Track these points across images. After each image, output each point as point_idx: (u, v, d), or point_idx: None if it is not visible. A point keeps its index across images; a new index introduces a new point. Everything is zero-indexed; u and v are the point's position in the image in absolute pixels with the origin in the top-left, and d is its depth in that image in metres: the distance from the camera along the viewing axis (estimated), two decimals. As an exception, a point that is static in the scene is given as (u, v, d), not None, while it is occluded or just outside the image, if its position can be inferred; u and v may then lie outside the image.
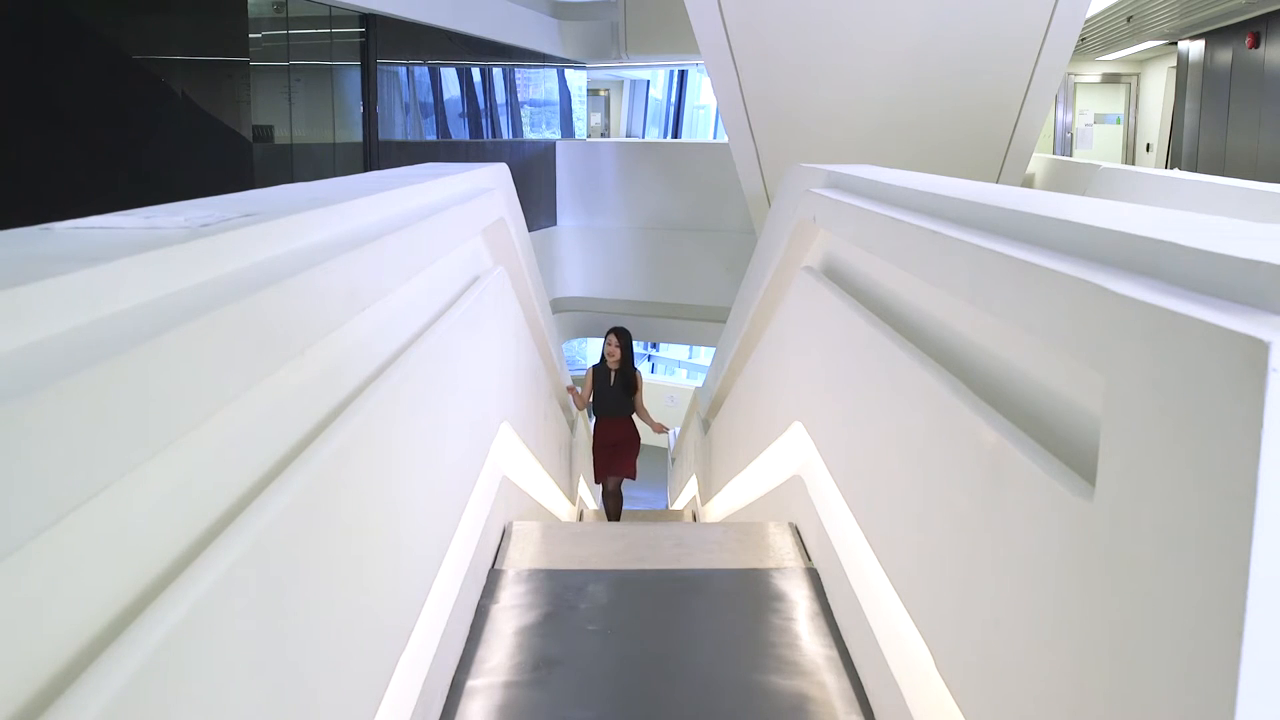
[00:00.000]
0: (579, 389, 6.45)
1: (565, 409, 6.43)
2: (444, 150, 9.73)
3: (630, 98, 18.80)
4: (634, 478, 6.60)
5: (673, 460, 10.07)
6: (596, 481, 6.84)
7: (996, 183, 6.28)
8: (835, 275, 2.78)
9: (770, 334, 3.92)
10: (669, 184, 12.80)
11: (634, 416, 6.49)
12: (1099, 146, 14.34)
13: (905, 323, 2.04)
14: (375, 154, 8.05)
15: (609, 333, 6.44)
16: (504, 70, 11.32)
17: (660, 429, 6.65)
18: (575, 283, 12.89)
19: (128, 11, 5.33)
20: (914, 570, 1.80)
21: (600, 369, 6.41)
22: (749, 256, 4.64)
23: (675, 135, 18.08)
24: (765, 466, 3.88)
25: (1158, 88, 13.36)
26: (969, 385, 1.55)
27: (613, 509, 6.74)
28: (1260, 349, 0.77)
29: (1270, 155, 8.81)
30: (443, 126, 9.96)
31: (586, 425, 7.40)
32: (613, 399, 6.37)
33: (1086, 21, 9.39)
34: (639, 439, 6.57)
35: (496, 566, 2.98)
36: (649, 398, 6.74)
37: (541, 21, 11.98)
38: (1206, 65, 10.51)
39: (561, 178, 13.03)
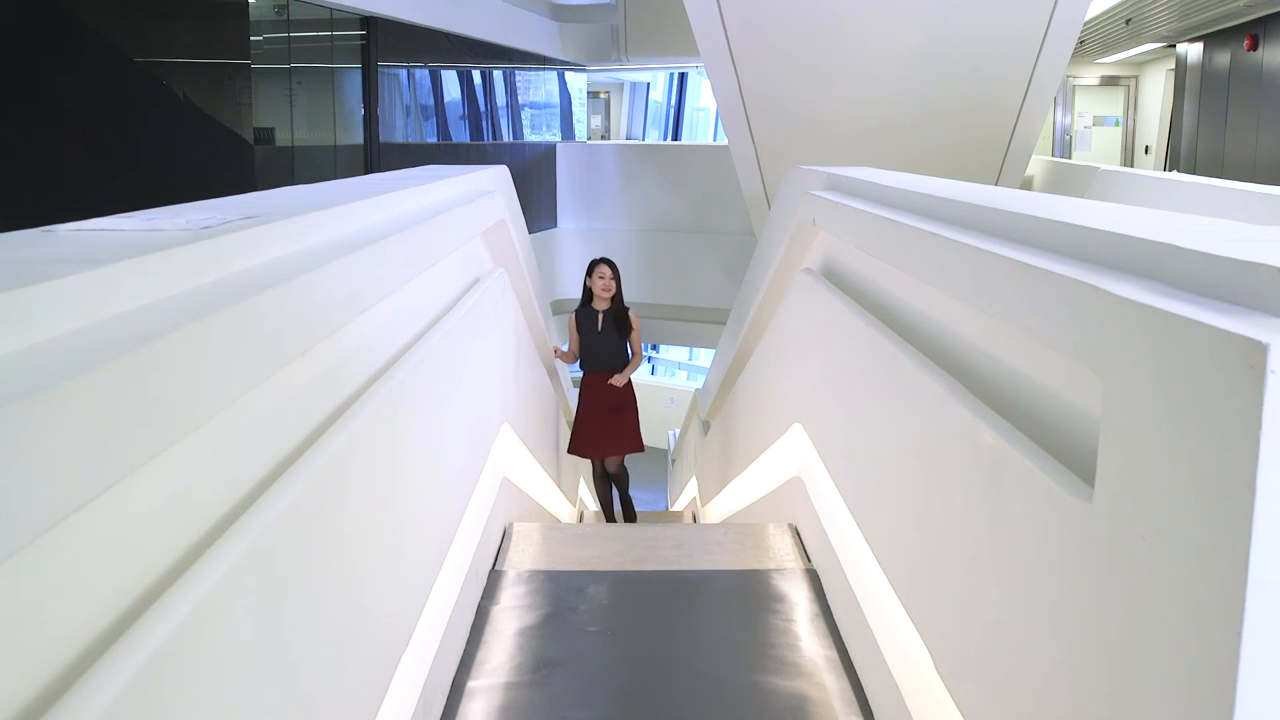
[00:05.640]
0: (564, 348, 5.31)
1: (553, 374, 5.38)
2: (445, 152, 9.73)
3: (630, 100, 18.81)
4: (641, 448, 5.29)
5: (673, 461, 10.07)
6: (576, 453, 5.39)
7: (995, 185, 6.29)
8: (835, 277, 2.79)
9: (770, 336, 3.93)
10: (669, 186, 12.81)
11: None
12: (1098, 148, 14.35)
13: (905, 325, 2.04)
14: (376, 156, 8.05)
15: (596, 263, 5.11)
16: (504, 73, 11.32)
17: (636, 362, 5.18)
18: (576, 284, 12.84)
19: (129, 14, 5.33)
20: (914, 571, 1.80)
21: (585, 312, 5.13)
22: (749, 258, 4.65)
23: (675, 137, 18.08)
24: (765, 468, 3.88)
25: (1156, 90, 13.37)
26: (968, 387, 1.55)
27: (622, 497, 5.41)
28: (1259, 350, 0.78)
29: (1269, 157, 8.82)
30: (443, 129, 9.97)
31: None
32: (605, 347, 5.09)
33: (1085, 24, 9.40)
34: (635, 397, 5.27)
35: (497, 568, 2.98)
36: (647, 399, 5.75)
37: (542, 24, 11.99)
38: (1205, 67, 10.52)
39: (562, 180, 13.04)
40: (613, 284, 5.09)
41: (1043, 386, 1.33)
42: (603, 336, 5.12)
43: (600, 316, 5.12)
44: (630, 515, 5.59)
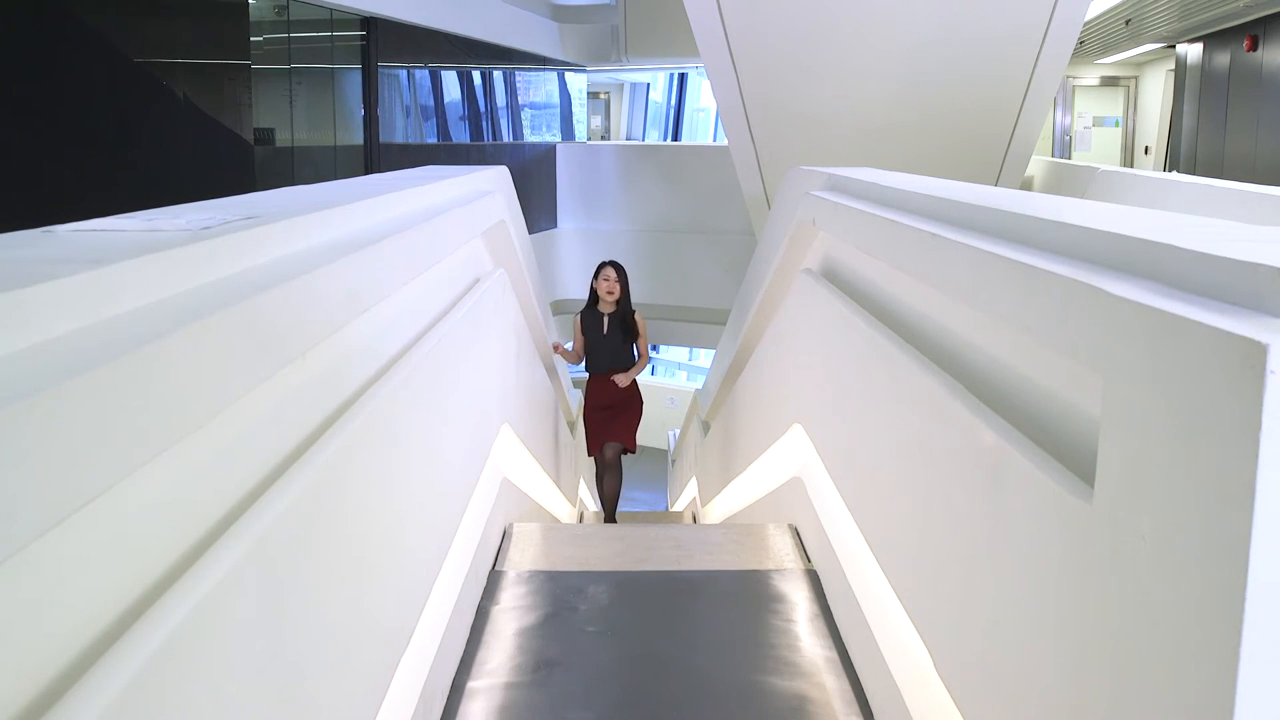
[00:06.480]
0: (566, 345, 5.35)
1: (553, 373, 5.44)
2: (445, 153, 9.73)
3: (630, 100, 18.80)
4: (634, 450, 5.46)
5: (673, 462, 10.07)
6: (590, 454, 5.57)
7: (995, 185, 6.29)
8: (834, 278, 2.79)
9: (770, 336, 3.93)
10: (669, 186, 12.81)
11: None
12: (1098, 149, 14.35)
13: (905, 325, 2.04)
14: (376, 156, 8.05)
15: (603, 266, 5.16)
16: (504, 73, 11.33)
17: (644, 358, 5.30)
18: (576, 285, 12.88)
19: (129, 14, 5.33)
20: (913, 572, 1.80)
21: (590, 315, 5.20)
22: (749, 258, 4.65)
23: (675, 138, 18.08)
24: (765, 468, 3.88)
25: (1156, 90, 13.37)
26: (968, 387, 1.55)
27: (610, 489, 5.47)
28: (1258, 351, 0.78)
29: (1268, 158, 8.82)
30: (443, 129, 9.97)
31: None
32: (609, 350, 5.18)
33: (1085, 24, 9.41)
34: (641, 400, 5.40)
35: (497, 568, 2.98)
36: (647, 399, 5.75)
37: (542, 24, 12.00)
38: (1205, 68, 10.52)
39: (562, 180, 13.04)
40: (617, 287, 5.13)
41: (1043, 386, 1.33)
42: (607, 339, 5.18)
43: (605, 319, 5.17)
44: (610, 512, 5.59)
